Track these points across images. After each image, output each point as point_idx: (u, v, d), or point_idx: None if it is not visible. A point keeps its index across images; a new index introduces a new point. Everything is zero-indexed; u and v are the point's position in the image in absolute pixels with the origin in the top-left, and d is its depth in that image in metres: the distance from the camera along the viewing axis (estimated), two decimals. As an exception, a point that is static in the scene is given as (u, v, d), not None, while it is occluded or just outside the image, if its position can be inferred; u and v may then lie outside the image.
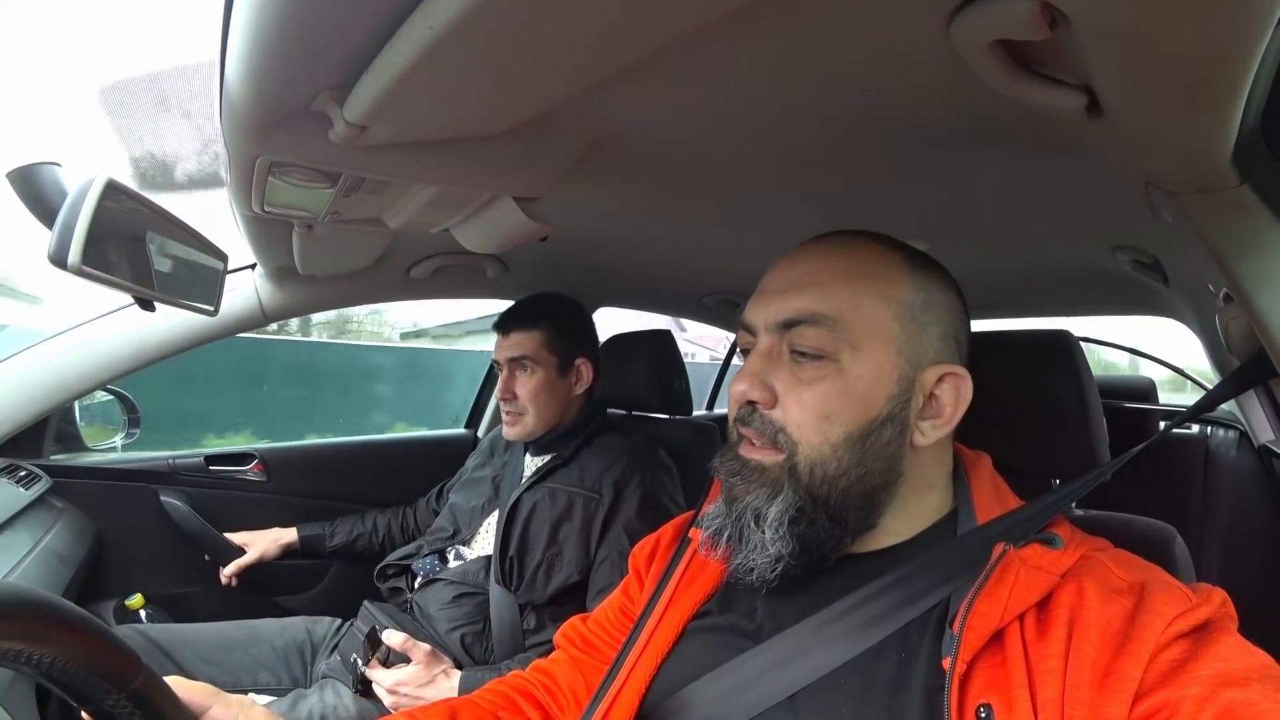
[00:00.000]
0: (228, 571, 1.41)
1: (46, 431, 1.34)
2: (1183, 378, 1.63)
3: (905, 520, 0.57)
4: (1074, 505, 0.79)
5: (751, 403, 0.55)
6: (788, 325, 0.55)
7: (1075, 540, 0.52)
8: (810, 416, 0.53)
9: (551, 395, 1.23)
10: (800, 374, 0.54)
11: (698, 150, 0.71)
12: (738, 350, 0.62)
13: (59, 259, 0.49)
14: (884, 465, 0.54)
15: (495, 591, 1.16)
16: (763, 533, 0.54)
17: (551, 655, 0.73)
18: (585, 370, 1.27)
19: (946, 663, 0.46)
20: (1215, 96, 0.39)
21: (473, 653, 1.15)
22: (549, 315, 1.25)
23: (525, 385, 1.22)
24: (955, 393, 0.55)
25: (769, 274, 0.59)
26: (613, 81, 0.49)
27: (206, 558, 1.43)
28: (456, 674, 1.04)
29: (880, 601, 0.53)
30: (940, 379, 0.55)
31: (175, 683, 0.48)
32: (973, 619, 0.47)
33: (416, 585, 1.26)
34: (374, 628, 1.07)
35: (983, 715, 0.44)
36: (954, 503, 0.58)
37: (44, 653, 0.38)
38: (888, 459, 0.54)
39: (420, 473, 1.63)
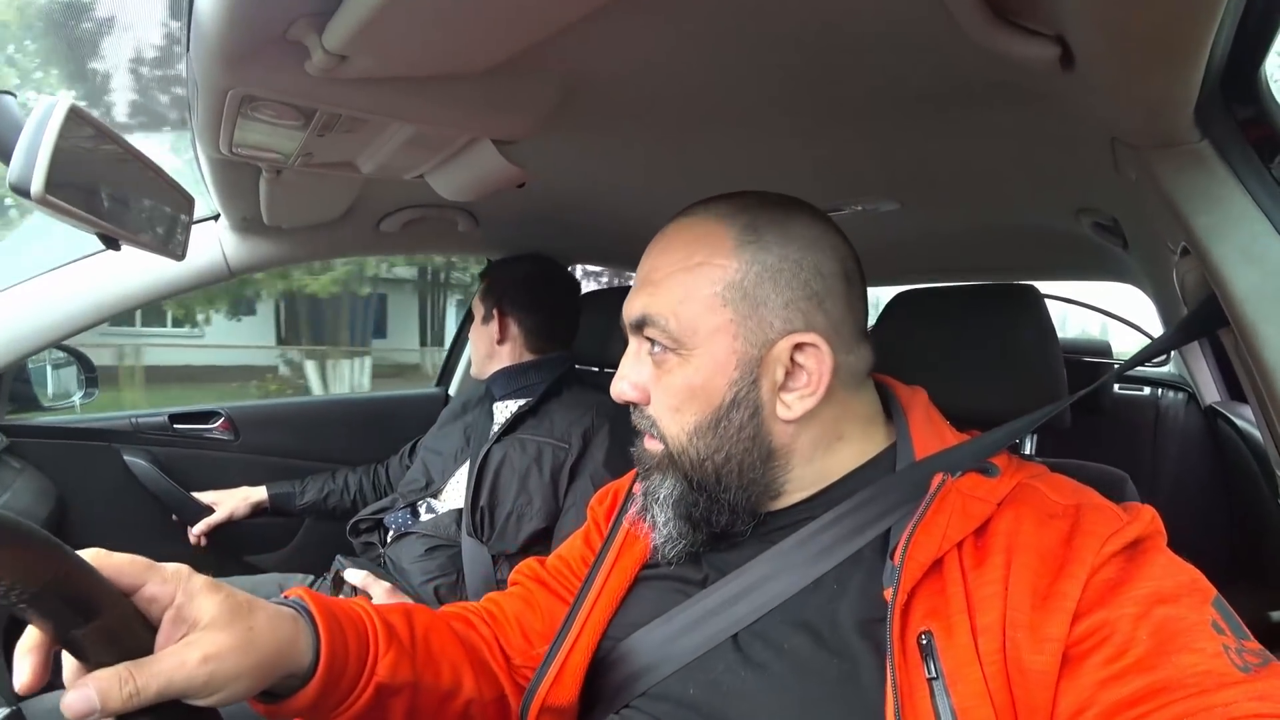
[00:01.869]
0: (196, 531, 1.40)
1: (1, 389, 1.29)
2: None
3: (816, 473, 0.57)
4: (1034, 454, 0.83)
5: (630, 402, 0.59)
6: (638, 326, 0.57)
7: (1011, 468, 0.53)
8: (666, 409, 0.57)
9: (478, 339, 1.36)
10: (657, 370, 0.57)
11: (671, 102, 0.71)
12: None
13: (21, 186, 0.47)
14: (746, 445, 0.55)
15: (467, 543, 1.17)
16: (659, 515, 0.58)
17: (505, 591, 0.74)
18: (498, 321, 1.31)
19: (888, 594, 0.47)
20: (1182, 48, 0.41)
21: (447, 604, 1.16)
22: (490, 271, 1.38)
23: (470, 328, 1.40)
24: (816, 359, 0.54)
25: (638, 268, 0.61)
26: (592, 21, 0.49)
27: (174, 517, 1.41)
28: None
29: (822, 538, 0.54)
30: (798, 347, 0.54)
31: (98, 556, 0.41)
32: (912, 549, 0.48)
33: (389, 539, 1.27)
34: (338, 571, 1.08)
35: (923, 643, 0.45)
36: (889, 440, 0.59)
37: None
38: (748, 440, 0.55)
39: (391, 431, 1.62)
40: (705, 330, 0.54)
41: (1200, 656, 0.39)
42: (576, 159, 0.92)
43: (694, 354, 0.55)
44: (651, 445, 0.59)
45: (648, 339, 0.57)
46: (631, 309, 0.58)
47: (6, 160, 0.53)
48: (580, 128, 0.76)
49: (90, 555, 0.41)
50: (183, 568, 0.45)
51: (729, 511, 0.56)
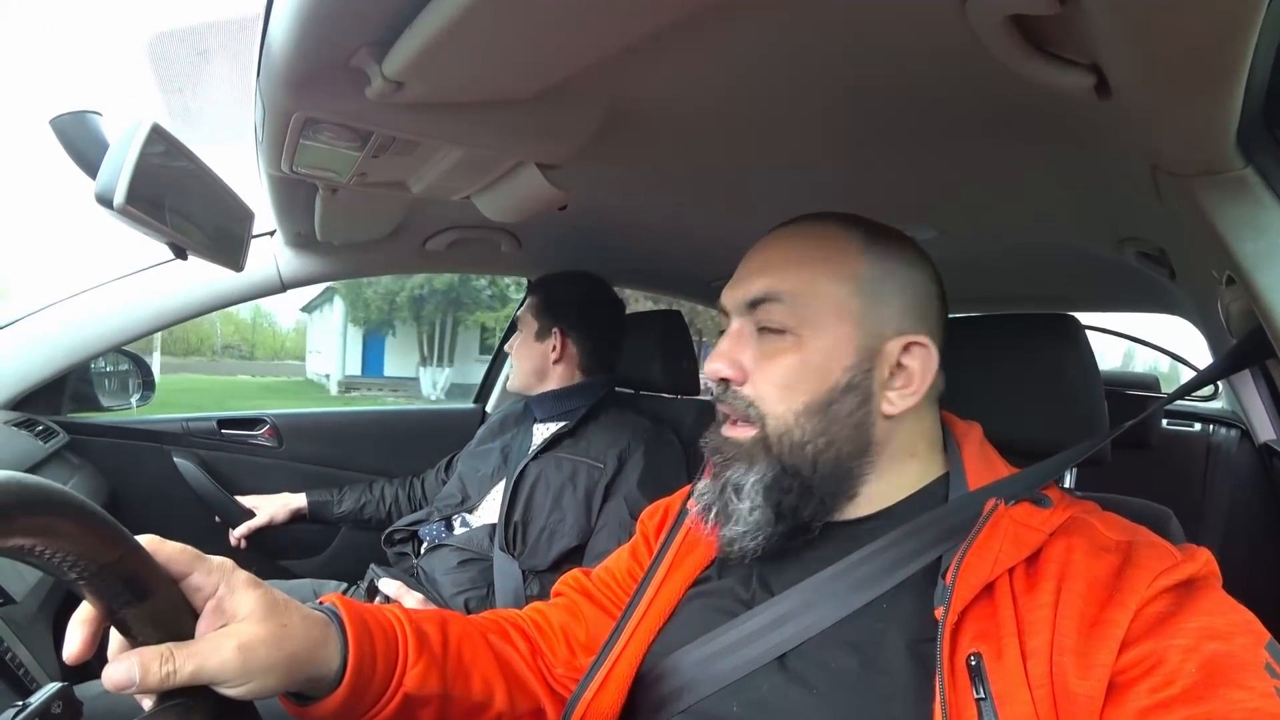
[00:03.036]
0: (237, 533, 1.44)
1: (64, 389, 1.37)
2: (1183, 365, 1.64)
3: (888, 488, 0.59)
4: (1074, 488, 0.81)
5: (725, 380, 0.59)
6: (753, 304, 0.59)
7: (1064, 502, 0.54)
8: (773, 388, 0.57)
9: (528, 355, 1.33)
10: (765, 349, 0.58)
11: (711, 128, 0.72)
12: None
13: (105, 198, 0.52)
14: (850, 433, 0.57)
15: (499, 557, 1.18)
16: (742, 504, 0.57)
17: (550, 601, 0.75)
18: (559, 340, 1.31)
19: (939, 612, 0.48)
20: (1217, 72, 0.41)
21: (484, 612, 1.18)
22: (546, 286, 1.36)
23: (514, 342, 1.36)
24: (922, 361, 0.57)
25: (742, 260, 0.63)
26: (637, 49, 0.51)
27: (216, 519, 1.46)
28: None
29: (873, 563, 0.54)
30: (906, 348, 0.57)
31: (153, 543, 0.44)
32: (964, 571, 0.48)
33: (422, 551, 1.29)
34: (373, 580, 1.10)
35: (973, 664, 0.45)
36: (944, 469, 0.60)
37: (30, 541, 0.36)
38: (853, 427, 0.57)
39: (428, 445, 1.65)
40: (828, 315, 0.57)
41: (1250, 694, 0.39)
42: (618, 183, 0.94)
43: (813, 337, 0.57)
44: (739, 431, 0.59)
45: (760, 323, 0.59)
46: (749, 289, 0.59)
47: (93, 175, 0.57)
48: (621, 153, 0.78)
49: (146, 541, 0.43)
50: (227, 562, 0.47)
51: (817, 502, 0.57)
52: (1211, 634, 0.42)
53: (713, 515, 0.59)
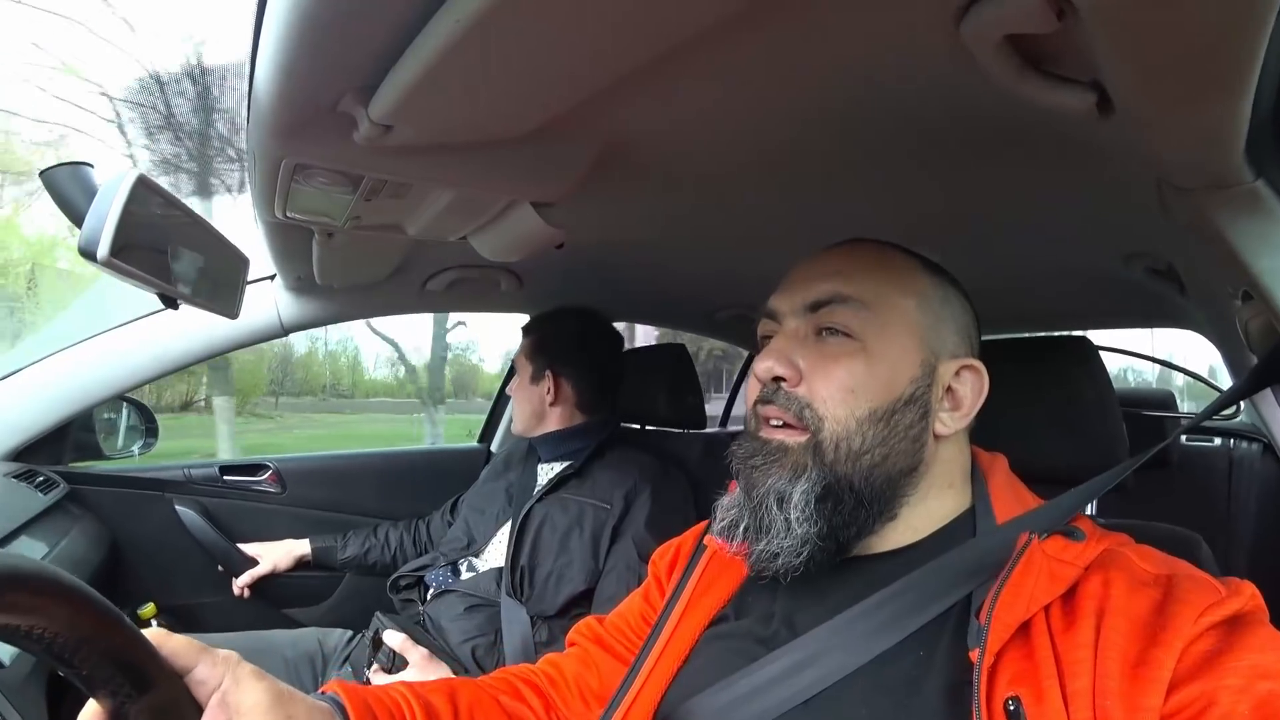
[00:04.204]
0: (240, 582, 1.42)
1: (66, 438, 1.36)
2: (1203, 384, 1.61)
3: (924, 516, 0.57)
4: (1096, 514, 0.78)
5: (777, 380, 0.56)
6: (816, 306, 0.57)
7: (1097, 535, 0.52)
8: (836, 390, 0.54)
9: (524, 397, 1.32)
10: (826, 351, 0.56)
11: (709, 158, 0.72)
12: (759, 339, 0.63)
13: (89, 251, 0.51)
14: (907, 448, 0.54)
15: (506, 603, 1.15)
16: (786, 516, 0.53)
17: (564, 651, 0.73)
18: (553, 381, 1.29)
19: (974, 654, 0.45)
20: (1222, 84, 0.39)
21: (484, 665, 1.14)
22: (538, 327, 1.36)
23: (512, 384, 1.35)
24: (972, 386, 0.58)
25: (794, 271, 0.62)
26: (626, 84, 0.50)
27: (219, 568, 1.44)
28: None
29: (899, 602, 0.52)
30: (958, 372, 0.57)
31: (158, 636, 0.44)
32: (999, 610, 0.46)
33: (429, 597, 1.26)
34: (377, 631, 1.07)
35: (1011, 708, 0.43)
36: (971, 502, 0.58)
37: (23, 622, 0.35)
38: (911, 441, 0.55)
39: (433, 486, 1.63)
40: (897, 326, 0.56)
41: None
42: (615, 219, 0.94)
43: (879, 345, 0.55)
44: (786, 435, 0.55)
45: (824, 325, 0.57)
46: (811, 291, 0.57)
47: (81, 227, 0.57)
48: (616, 188, 0.78)
49: (152, 634, 0.43)
50: (232, 654, 0.48)
51: (864, 519, 0.54)
52: (1263, 673, 0.40)
53: (742, 531, 0.55)
